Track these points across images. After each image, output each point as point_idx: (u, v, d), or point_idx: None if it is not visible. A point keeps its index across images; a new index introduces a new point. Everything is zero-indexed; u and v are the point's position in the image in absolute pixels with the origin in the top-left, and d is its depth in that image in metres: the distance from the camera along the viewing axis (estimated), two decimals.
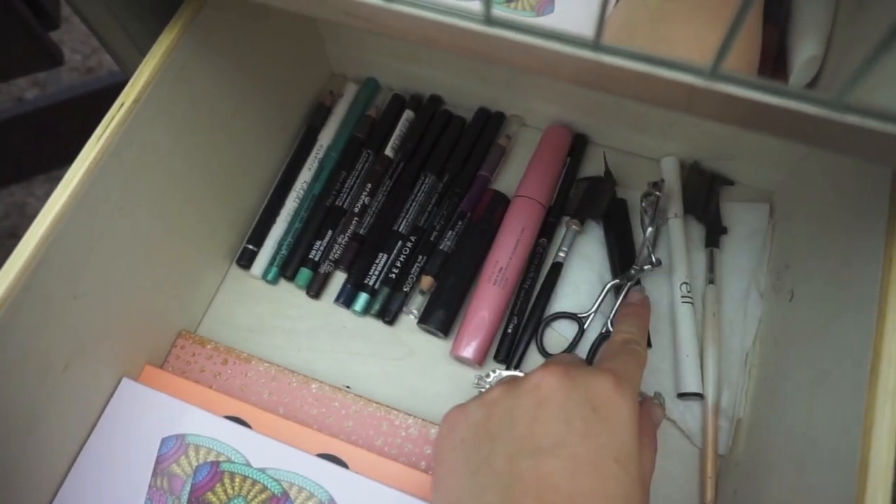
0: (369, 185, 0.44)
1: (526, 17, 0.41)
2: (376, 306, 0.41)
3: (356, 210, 0.43)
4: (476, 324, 0.39)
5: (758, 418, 0.35)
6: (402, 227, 0.43)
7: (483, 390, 0.35)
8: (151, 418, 0.35)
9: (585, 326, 0.40)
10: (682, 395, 0.38)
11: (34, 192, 1.03)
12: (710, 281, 0.40)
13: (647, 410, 0.31)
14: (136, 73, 0.31)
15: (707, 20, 0.30)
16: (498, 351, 0.40)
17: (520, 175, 0.44)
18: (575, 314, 0.40)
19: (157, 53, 0.32)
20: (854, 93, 0.20)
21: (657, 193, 0.40)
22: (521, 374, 0.30)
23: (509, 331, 0.40)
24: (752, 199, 0.43)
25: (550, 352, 0.40)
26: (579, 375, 0.27)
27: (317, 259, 0.43)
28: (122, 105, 0.31)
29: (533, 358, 0.40)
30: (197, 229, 0.39)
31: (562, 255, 0.42)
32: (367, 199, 0.44)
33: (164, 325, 0.39)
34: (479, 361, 0.39)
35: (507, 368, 0.40)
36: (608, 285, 0.40)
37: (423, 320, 0.40)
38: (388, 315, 0.41)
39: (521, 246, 0.41)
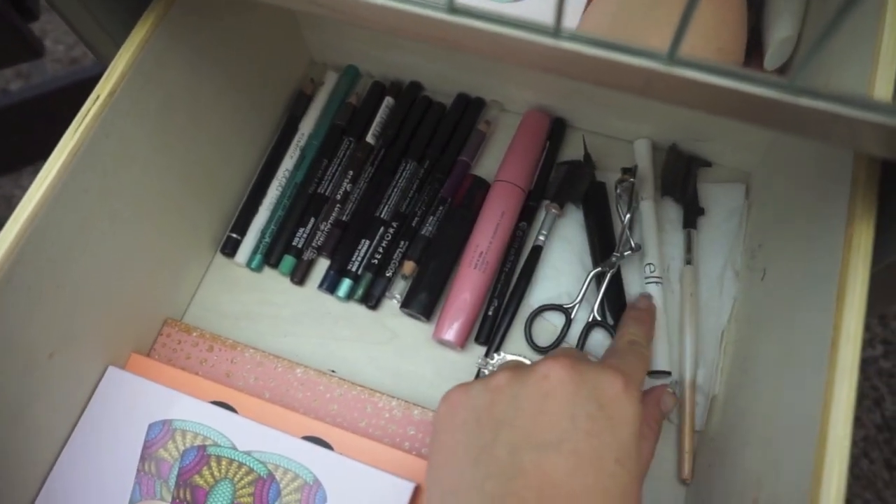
0: (351, 172, 0.44)
1: (498, 2, 0.41)
2: (359, 292, 0.42)
3: (338, 197, 0.44)
4: (457, 307, 0.40)
5: (731, 395, 0.36)
6: (384, 214, 0.43)
7: (487, 371, 0.36)
8: (138, 405, 0.35)
9: (573, 316, 0.40)
10: (652, 374, 0.39)
11: (22, 185, 1.03)
12: (688, 261, 0.41)
13: (657, 399, 0.32)
14: (111, 65, 0.31)
15: (703, 3, 0.30)
16: (479, 334, 0.41)
17: (500, 160, 0.45)
18: (561, 305, 0.41)
19: (131, 46, 0.32)
20: (812, 76, 0.20)
21: (631, 179, 0.41)
22: (526, 361, 0.30)
23: (489, 314, 0.41)
24: (729, 181, 0.43)
25: (538, 342, 0.40)
26: (588, 371, 0.27)
27: (300, 246, 0.43)
28: (97, 97, 0.31)
29: (515, 343, 0.41)
30: (180, 219, 0.40)
31: (541, 238, 0.42)
32: (348, 186, 0.44)
33: (149, 314, 0.40)
34: (461, 344, 0.40)
35: (489, 352, 0.40)
36: (591, 274, 0.40)
37: (406, 305, 0.41)
38: (372, 300, 0.42)
39: (500, 230, 0.42)
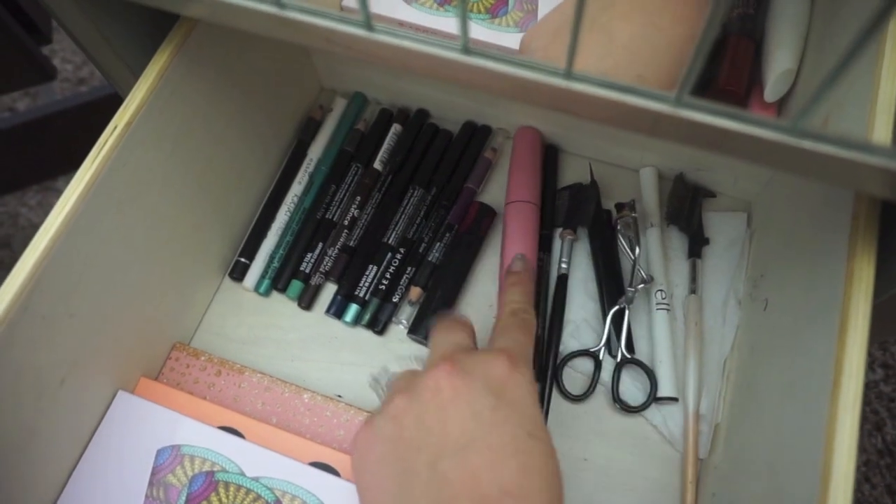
0: (359, 198, 0.45)
1: (511, 32, 0.42)
2: (366, 317, 0.42)
3: (346, 223, 0.44)
4: None
5: (735, 423, 0.36)
6: (391, 240, 0.44)
7: (380, 392, 0.35)
8: (147, 430, 0.36)
9: (601, 358, 0.40)
10: (658, 400, 0.39)
11: (27, 203, 1.04)
12: (693, 291, 0.41)
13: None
14: (129, 96, 0.32)
15: (649, 12, 0.31)
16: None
17: (505, 188, 0.45)
18: (587, 350, 0.41)
19: (149, 76, 0.33)
20: (810, 118, 0.21)
21: (633, 215, 0.42)
22: (414, 367, 0.30)
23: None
24: (731, 209, 0.44)
25: (571, 391, 0.40)
26: (473, 366, 0.27)
27: (308, 271, 0.44)
28: (115, 128, 0.32)
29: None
30: (190, 244, 0.40)
31: (564, 266, 0.43)
32: (356, 212, 0.45)
33: (158, 338, 0.40)
34: None
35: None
36: (610, 314, 0.41)
37: (413, 331, 0.41)
38: (378, 325, 0.42)
39: (529, 246, 0.42)
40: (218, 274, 0.45)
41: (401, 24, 0.43)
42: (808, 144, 0.21)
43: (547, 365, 0.40)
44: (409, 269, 0.43)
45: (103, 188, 0.31)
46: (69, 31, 0.35)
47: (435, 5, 0.43)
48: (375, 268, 0.43)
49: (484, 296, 0.43)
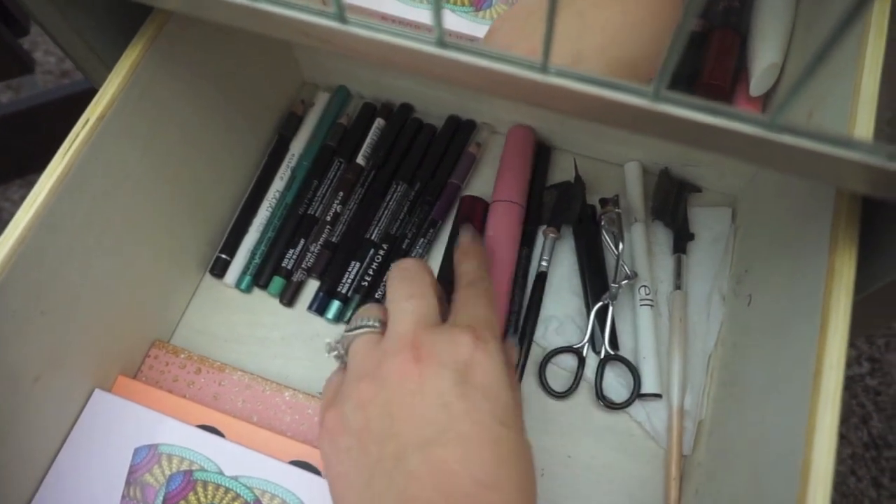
0: (341, 194, 0.44)
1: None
2: (349, 314, 0.42)
3: (328, 218, 0.44)
4: None
5: (718, 420, 0.36)
6: (374, 235, 0.43)
7: (342, 355, 0.31)
8: (124, 429, 0.35)
9: (584, 354, 0.40)
10: (642, 396, 0.39)
11: (10, 197, 1.03)
12: (677, 286, 0.41)
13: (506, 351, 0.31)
14: (101, 89, 0.31)
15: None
16: None
17: (490, 182, 0.45)
18: (571, 347, 0.40)
19: (121, 70, 0.32)
20: (793, 113, 0.21)
21: (617, 210, 0.41)
22: (372, 325, 0.28)
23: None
24: (715, 204, 0.44)
25: (555, 388, 0.40)
26: (439, 348, 0.26)
27: (290, 267, 0.43)
28: (87, 121, 0.31)
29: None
30: (169, 240, 0.40)
31: (544, 264, 0.42)
32: (339, 208, 0.44)
33: (137, 336, 0.40)
34: None
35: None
36: (594, 310, 0.40)
37: None
38: None
39: (508, 250, 0.41)
40: (198, 270, 0.44)
41: (384, 17, 0.42)
42: (787, 139, 0.21)
43: (519, 362, 0.40)
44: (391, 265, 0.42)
45: (75, 182, 0.30)
46: (41, 23, 0.34)
47: None
48: (358, 264, 0.43)
49: None
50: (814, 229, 0.29)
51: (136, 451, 0.35)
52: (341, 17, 0.23)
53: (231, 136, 0.43)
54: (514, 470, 0.25)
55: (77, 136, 0.30)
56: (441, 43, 0.23)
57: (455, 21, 0.41)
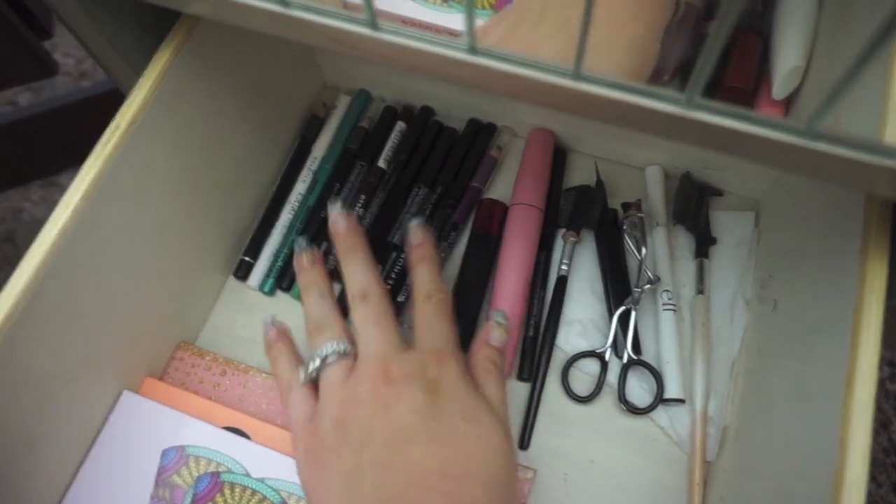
0: (363, 197, 0.45)
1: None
2: None
3: None
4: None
5: (743, 426, 0.36)
6: (396, 238, 0.43)
7: (310, 378, 0.32)
8: (152, 430, 0.36)
9: (607, 359, 0.40)
10: (665, 401, 0.39)
11: (30, 198, 1.04)
12: (700, 291, 0.41)
13: (485, 340, 0.33)
14: (131, 95, 0.32)
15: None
16: (521, 370, 0.40)
17: (510, 185, 0.45)
18: (594, 351, 0.40)
19: (151, 75, 0.32)
20: (825, 120, 0.20)
21: (640, 214, 0.41)
22: (343, 352, 0.31)
23: (526, 348, 0.41)
24: (738, 208, 0.44)
25: (577, 392, 0.40)
26: (409, 372, 0.29)
27: None
28: (117, 127, 0.31)
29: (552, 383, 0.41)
30: (194, 244, 0.40)
31: (564, 268, 0.42)
32: (360, 211, 0.44)
33: (163, 338, 0.40)
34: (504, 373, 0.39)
35: (519, 377, 0.40)
36: (616, 315, 0.40)
37: None
38: None
39: (526, 254, 0.41)
40: (223, 273, 0.44)
41: (403, 21, 0.42)
42: (822, 147, 0.21)
43: (539, 366, 0.40)
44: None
45: (107, 186, 0.31)
46: (70, 27, 0.35)
47: (439, 1, 0.42)
48: (380, 267, 0.43)
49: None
50: (842, 235, 0.29)
51: (165, 453, 0.35)
52: (373, 24, 0.24)
53: (256, 139, 0.43)
54: (481, 461, 0.27)
55: (109, 140, 0.31)
56: (473, 50, 0.23)
57: (477, 24, 0.41)
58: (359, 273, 0.34)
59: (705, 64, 0.20)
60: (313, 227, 0.44)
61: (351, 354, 0.31)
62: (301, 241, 0.37)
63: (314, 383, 0.32)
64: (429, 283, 0.33)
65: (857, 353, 0.25)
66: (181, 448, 0.35)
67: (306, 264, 0.36)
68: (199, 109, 0.36)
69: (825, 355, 0.27)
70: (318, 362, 0.31)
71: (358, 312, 0.32)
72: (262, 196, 0.47)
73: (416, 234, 0.36)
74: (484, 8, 0.43)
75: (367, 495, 0.27)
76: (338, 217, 0.36)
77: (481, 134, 0.47)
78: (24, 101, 1.10)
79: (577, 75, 0.22)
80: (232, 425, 0.37)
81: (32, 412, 0.31)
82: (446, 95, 0.47)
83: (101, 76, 1.11)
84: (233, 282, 0.45)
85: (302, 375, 0.32)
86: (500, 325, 0.33)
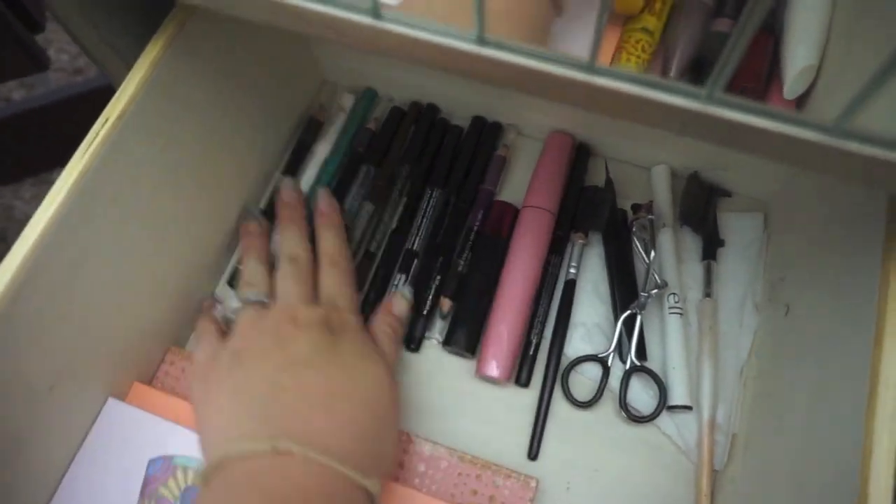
0: (374, 204, 0.43)
1: None
2: None
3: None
4: (498, 342, 0.38)
5: (754, 434, 0.35)
6: (416, 246, 0.42)
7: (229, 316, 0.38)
8: (138, 439, 0.34)
9: (610, 364, 0.39)
10: (671, 408, 0.37)
11: (22, 195, 1.02)
12: (707, 294, 0.40)
13: (388, 308, 0.37)
14: (120, 88, 0.30)
15: None
16: (519, 375, 0.39)
17: (520, 185, 0.44)
18: (596, 355, 0.39)
19: (141, 68, 0.31)
20: (851, 118, 0.19)
21: (649, 217, 0.40)
22: (262, 300, 0.34)
23: (531, 353, 0.40)
24: (746, 210, 0.43)
25: (577, 396, 0.39)
26: (315, 320, 0.32)
27: None
28: (106, 120, 0.30)
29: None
30: (185, 244, 0.38)
31: (572, 271, 0.41)
32: (374, 219, 0.43)
33: (152, 342, 0.39)
34: (507, 378, 0.38)
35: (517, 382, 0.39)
36: (621, 318, 0.39)
37: (448, 342, 0.39)
38: (413, 343, 0.40)
39: (534, 258, 0.40)
40: (215, 276, 0.43)
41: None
42: (853, 146, 0.20)
43: (546, 373, 0.39)
44: (436, 277, 0.41)
45: (94, 182, 0.30)
46: (60, 20, 0.33)
47: None
48: (403, 276, 0.41)
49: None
50: (862, 237, 0.27)
51: (151, 463, 0.34)
52: (376, 13, 0.22)
53: (249, 137, 0.42)
54: (364, 387, 0.30)
55: (97, 134, 0.29)
56: (482, 40, 0.22)
57: None
58: (294, 241, 0.37)
59: (728, 59, 0.19)
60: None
61: (269, 306, 0.34)
62: (252, 209, 0.41)
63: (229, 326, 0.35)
64: (335, 250, 0.36)
65: (881, 359, 0.24)
66: (168, 458, 0.34)
67: (252, 230, 0.39)
68: (191, 103, 0.35)
69: (844, 360, 0.26)
70: (236, 303, 0.33)
71: (282, 270, 0.35)
72: (258, 197, 0.45)
73: (325, 201, 0.39)
74: None
75: (255, 409, 0.28)
76: (290, 193, 0.40)
77: (486, 133, 0.45)
78: (18, 98, 1.08)
79: (591, 68, 0.21)
80: None
81: (16, 416, 0.30)
82: (450, 91, 0.45)
83: (95, 72, 1.09)
84: (225, 286, 0.43)
85: (218, 311, 0.35)
86: (405, 298, 0.38)
